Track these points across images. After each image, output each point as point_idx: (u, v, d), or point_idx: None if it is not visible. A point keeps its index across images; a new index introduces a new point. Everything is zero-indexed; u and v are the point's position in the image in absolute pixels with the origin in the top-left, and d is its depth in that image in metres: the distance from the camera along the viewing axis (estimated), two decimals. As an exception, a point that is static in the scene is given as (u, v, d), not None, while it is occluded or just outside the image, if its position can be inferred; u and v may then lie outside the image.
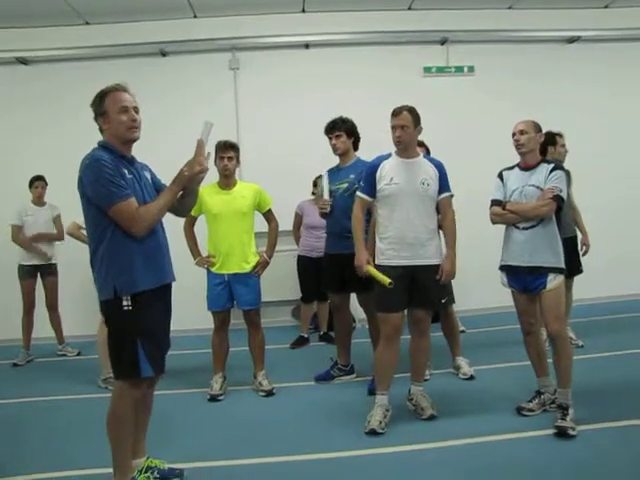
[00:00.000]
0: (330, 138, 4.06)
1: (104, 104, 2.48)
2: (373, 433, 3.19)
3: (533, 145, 3.30)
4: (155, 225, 2.52)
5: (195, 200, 2.81)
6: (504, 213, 3.31)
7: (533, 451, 2.91)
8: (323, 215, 4.10)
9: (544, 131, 3.47)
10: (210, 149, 2.67)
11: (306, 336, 5.51)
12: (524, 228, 3.26)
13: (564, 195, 3.21)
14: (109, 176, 2.37)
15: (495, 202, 3.38)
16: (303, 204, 5.43)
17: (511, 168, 3.43)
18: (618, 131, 6.36)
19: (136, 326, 2.44)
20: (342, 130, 4.02)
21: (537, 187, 3.24)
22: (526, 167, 3.32)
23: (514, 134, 3.32)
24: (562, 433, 3.04)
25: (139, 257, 2.46)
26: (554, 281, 3.19)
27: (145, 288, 2.47)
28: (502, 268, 3.41)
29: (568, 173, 3.34)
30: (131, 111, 2.49)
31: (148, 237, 2.49)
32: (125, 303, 2.42)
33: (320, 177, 4.23)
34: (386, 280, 3.22)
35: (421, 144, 4.09)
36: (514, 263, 3.31)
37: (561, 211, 3.27)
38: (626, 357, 4.34)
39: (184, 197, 2.66)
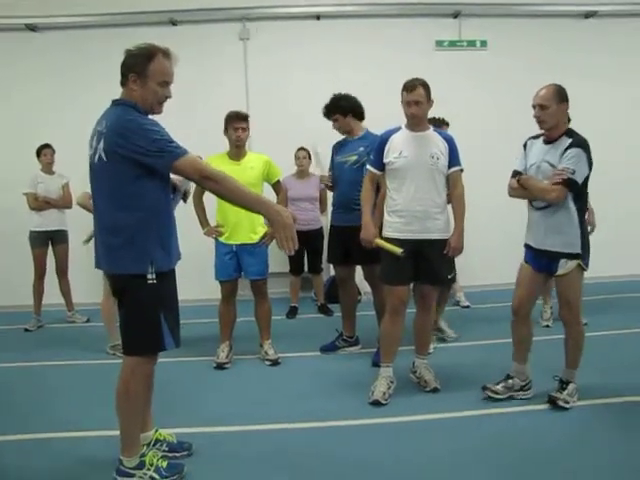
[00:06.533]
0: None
1: (149, 66, 2.29)
2: (377, 404, 3.23)
3: (556, 120, 3.00)
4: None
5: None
6: (517, 187, 3.13)
7: (531, 424, 2.96)
8: (330, 189, 4.34)
9: None
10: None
11: (296, 306, 5.63)
12: (537, 208, 3.10)
13: (578, 177, 2.90)
14: (164, 133, 2.24)
15: (514, 173, 3.19)
16: (286, 179, 5.23)
17: (537, 137, 3.18)
18: (636, 109, 6.26)
19: (160, 299, 2.38)
20: (337, 113, 4.04)
21: (551, 165, 3.00)
22: (548, 140, 3.08)
23: (534, 106, 3.05)
24: (552, 402, 3.10)
25: (171, 231, 2.42)
26: (565, 266, 3.03)
27: (174, 266, 2.44)
28: (525, 246, 3.24)
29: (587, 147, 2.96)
30: (169, 87, 2.37)
31: (170, 214, 2.44)
32: (150, 277, 2.32)
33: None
34: (397, 250, 3.23)
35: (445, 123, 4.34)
36: (530, 243, 3.18)
37: (579, 193, 2.97)
38: (626, 336, 4.37)
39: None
